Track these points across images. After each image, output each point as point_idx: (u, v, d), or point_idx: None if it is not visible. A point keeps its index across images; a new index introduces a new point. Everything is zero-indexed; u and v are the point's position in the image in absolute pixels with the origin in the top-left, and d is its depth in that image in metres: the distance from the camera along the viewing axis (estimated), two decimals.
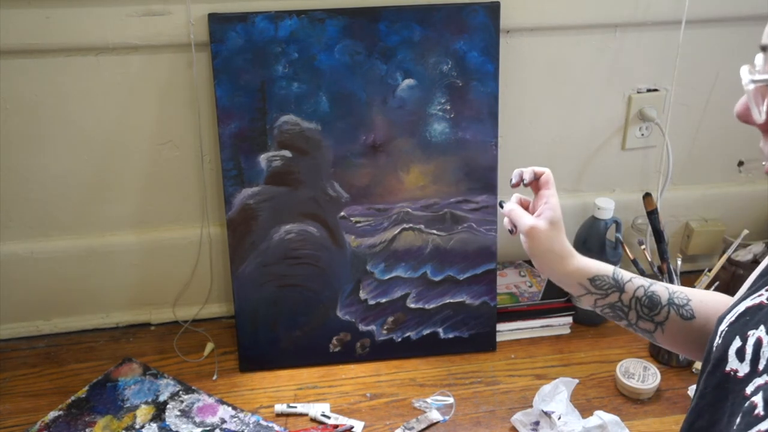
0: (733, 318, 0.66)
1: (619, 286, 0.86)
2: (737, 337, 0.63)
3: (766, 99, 0.60)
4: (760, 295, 0.65)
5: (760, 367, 0.59)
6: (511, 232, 0.90)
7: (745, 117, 0.62)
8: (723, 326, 0.67)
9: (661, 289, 0.86)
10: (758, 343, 0.61)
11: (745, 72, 0.61)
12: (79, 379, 1.27)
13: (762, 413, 0.55)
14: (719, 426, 0.62)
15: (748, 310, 0.65)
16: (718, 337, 0.66)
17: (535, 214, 0.88)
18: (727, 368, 0.63)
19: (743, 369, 0.61)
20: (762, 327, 0.61)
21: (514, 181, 0.90)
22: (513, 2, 1.22)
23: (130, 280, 1.38)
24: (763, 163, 0.66)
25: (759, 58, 0.62)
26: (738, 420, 0.58)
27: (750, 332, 0.62)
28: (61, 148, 1.25)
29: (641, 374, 1.24)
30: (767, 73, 0.60)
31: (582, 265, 0.87)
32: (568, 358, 1.33)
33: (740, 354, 0.62)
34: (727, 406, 0.62)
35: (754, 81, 0.60)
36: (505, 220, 0.91)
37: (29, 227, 1.31)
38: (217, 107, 1.20)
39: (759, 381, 0.58)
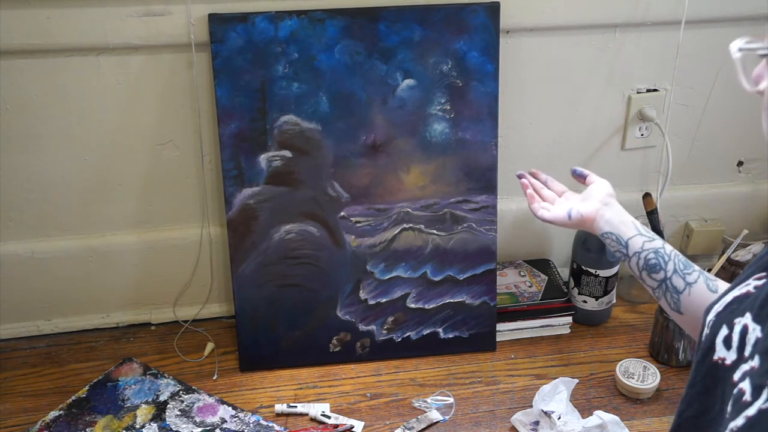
0: (721, 308, 0.66)
1: (662, 239, 0.98)
2: (724, 325, 0.64)
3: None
4: (747, 285, 0.65)
5: (746, 353, 0.59)
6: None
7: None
8: (710, 316, 0.67)
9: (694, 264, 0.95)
10: (744, 330, 0.61)
11: (736, 42, 0.61)
12: (79, 379, 1.28)
13: (749, 399, 0.55)
14: (710, 415, 0.63)
15: (735, 299, 0.66)
16: (706, 328, 0.67)
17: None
18: (715, 357, 0.63)
19: (730, 357, 0.61)
20: (748, 314, 0.62)
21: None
22: (513, 2, 1.22)
23: (131, 280, 1.38)
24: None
25: None
26: (729, 408, 0.58)
27: (737, 320, 0.63)
28: (61, 148, 1.25)
29: (641, 374, 1.24)
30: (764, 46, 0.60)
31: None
32: (568, 357, 1.33)
33: (727, 342, 0.62)
34: (718, 395, 0.62)
35: (741, 49, 0.60)
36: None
37: (29, 227, 1.31)
38: (218, 107, 1.20)
39: (745, 367, 0.58)
